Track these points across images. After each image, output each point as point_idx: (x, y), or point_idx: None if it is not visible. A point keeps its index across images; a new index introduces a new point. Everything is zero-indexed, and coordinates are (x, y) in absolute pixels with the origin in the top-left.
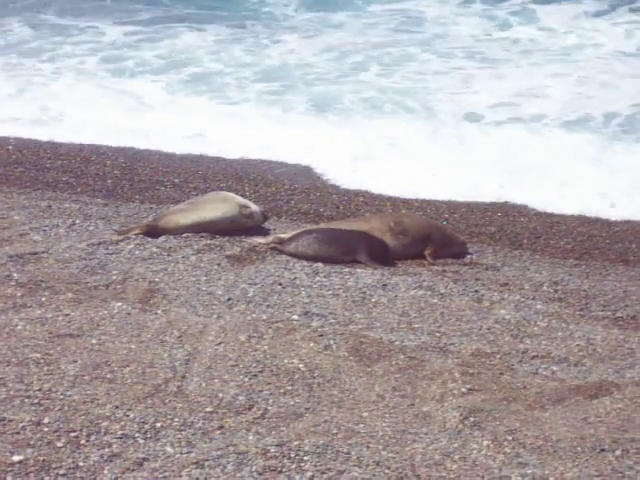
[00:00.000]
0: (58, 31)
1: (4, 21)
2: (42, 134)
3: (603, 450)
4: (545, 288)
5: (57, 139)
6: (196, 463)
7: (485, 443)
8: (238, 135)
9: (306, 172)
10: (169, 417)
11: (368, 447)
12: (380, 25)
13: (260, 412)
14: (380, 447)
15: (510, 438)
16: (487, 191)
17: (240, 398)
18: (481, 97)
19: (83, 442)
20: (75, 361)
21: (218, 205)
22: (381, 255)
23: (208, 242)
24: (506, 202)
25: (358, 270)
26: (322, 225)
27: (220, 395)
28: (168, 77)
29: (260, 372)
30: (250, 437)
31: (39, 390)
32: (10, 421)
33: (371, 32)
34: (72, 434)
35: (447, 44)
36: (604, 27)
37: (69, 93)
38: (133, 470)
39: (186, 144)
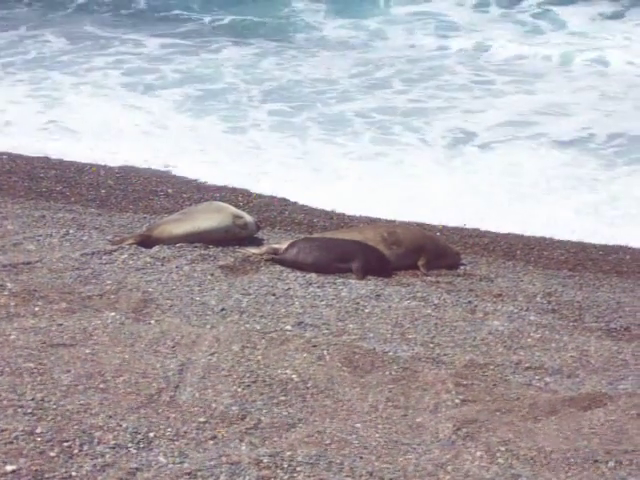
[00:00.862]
0: (96, 43)
1: (40, 32)
2: (55, 153)
3: (596, 461)
4: (539, 299)
5: (67, 158)
6: (189, 473)
7: (478, 454)
8: (238, 158)
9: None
10: (162, 427)
11: (361, 457)
12: (416, 31)
13: (253, 422)
14: (373, 458)
15: (503, 449)
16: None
17: (233, 408)
18: (492, 116)
19: (76, 452)
20: (68, 371)
21: (212, 215)
22: (379, 267)
23: (202, 252)
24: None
25: (351, 281)
26: (315, 235)
27: (213, 405)
28: (180, 93)
29: (253, 382)
30: (243, 447)
31: (32, 400)
32: (3, 431)
33: (406, 40)
34: (65, 444)
35: (481, 55)
36: (629, 29)
37: (85, 110)
38: None
39: (182, 168)
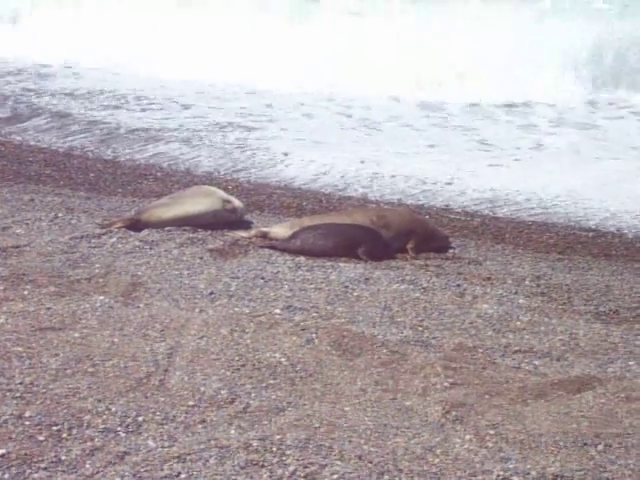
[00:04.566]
0: None
1: None
2: None
3: (585, 444)
4: (528, 282)
5: None
6: (178, 457)
7: (467, 437)
8: None
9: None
10: (151, 411)
11: (350, 441)
12: None
13: (242, 406)
14: (362, 441)
15: (492, 432)
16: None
17: (222, 392)
18: None
19: (65, 436)
20: (57, 354)
21: (201, 199)
22: (382, 251)
23: (190, 236)
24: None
25: (340, 264)
26: (305, 219)
27: (202, 389)
28: None
29: (242, 366)
30: (232, 431)
31: (21, 383)
32: None
33: None
34: (54, 428)
35: None
36: None
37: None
38: (115, 464)
39: None
